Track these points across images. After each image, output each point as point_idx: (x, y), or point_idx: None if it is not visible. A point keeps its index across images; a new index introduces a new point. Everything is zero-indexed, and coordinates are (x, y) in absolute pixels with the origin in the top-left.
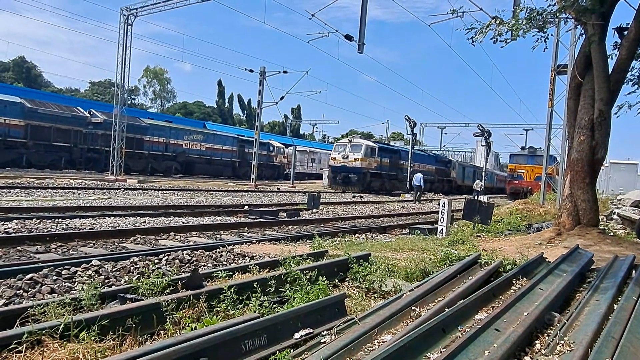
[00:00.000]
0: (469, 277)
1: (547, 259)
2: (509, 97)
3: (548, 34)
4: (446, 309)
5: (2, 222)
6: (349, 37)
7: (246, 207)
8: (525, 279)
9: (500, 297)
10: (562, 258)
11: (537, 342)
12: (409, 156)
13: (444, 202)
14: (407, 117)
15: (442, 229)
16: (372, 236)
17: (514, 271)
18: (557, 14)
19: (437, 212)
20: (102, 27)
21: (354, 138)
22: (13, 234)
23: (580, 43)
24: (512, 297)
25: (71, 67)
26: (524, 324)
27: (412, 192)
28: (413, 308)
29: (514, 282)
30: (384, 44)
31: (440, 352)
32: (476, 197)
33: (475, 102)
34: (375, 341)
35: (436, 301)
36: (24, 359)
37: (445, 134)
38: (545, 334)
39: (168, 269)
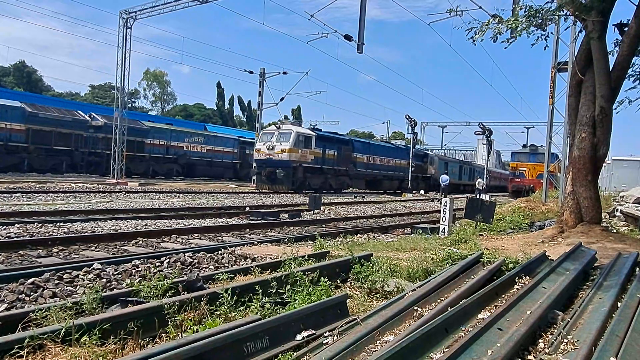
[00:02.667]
0: (472, 276)
1: (549, 257)
2: (509, 95)
3: (548, 32)
4: (449, 309)
5: (4, 227)
6: (348, 37)
7: (247, 209)
8: (528, 277)
9: (503, 296)
10: (565, 256)
11: (540, 340)
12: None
13: (446, 202)
14: (407, 117)
15: (444, 228)
16: (374, 236)
17: (517, 270)
18: (557, 11)
19: (439, 212)
20: (101, 30)
21: (284, 124)
22: (15, 239)
23: (580, 40)
24: (515, 296)
25: (71, 71)
26: (527, 323)
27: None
28: (415, 308)
29: (516, 280)
30: (384, 43)
31: (443, 352)
32: (478, 195)
33: (476, 100)
34: (378, 342)
35: (439, 301)
36: None
37: (447, 132)
38: (549, 333)
39: (170, 271)
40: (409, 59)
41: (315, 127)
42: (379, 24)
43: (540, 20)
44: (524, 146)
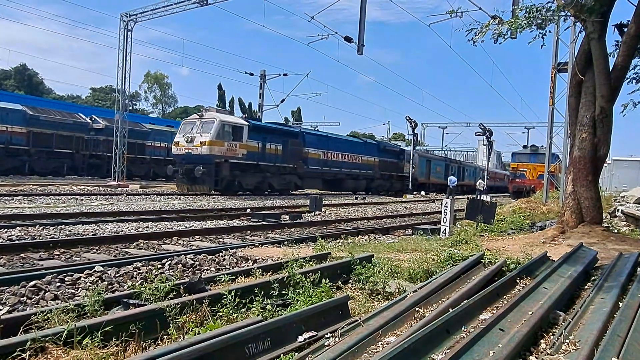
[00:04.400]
0: (473, 277)
1: (551, 258)
2: (510, 96)
3: (546, 31)
4: (450, 310)
5: (6, 230)
6: (348, 39)
7: (249, 211)
8: (529, 278)
9: (504, 296)
10: (566, 256)
11: (542, 341)
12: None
13: (447, 202)
14: (408, 118)
15: (445, 229)
16: (375, 237)
17: (518, 270)
18: (557, 12)
19: (440, 212)
20: (102, 33)
21: (208, 111)
22: (16, 241)
23: (580, 40)
24: (517, 297)
25: (72, 73)
26: (529, 324)
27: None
28: (417, 309)
29: (518, 281)
30: (384, 45)
31: (445, 353)
32: (479, 196)
33: (476, 101)
34: (379, 343)
35: (440, 302)
36: None
37: (447, 134)
38: (551, 333)
39: (171, 273)
40: (409, 60)
41: (251, 117)
42: (379, 25)
43: (540, 21)
44: (525, 147)
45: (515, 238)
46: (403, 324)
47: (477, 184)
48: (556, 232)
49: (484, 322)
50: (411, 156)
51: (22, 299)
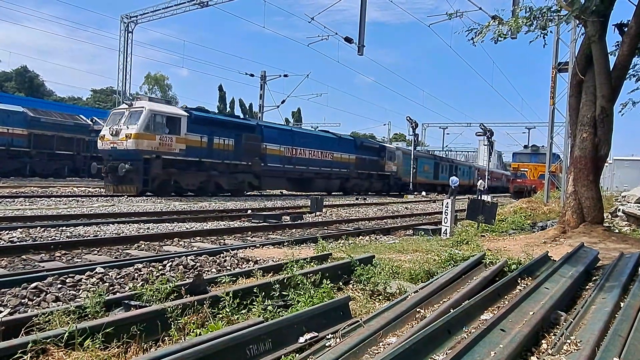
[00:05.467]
0: (474, 278)
1: (552, 258)
2: (510, 96)
3: (548, 31)
4: (451, 310)
5: (7, 232)
6: (348, 40)
7: (249, 212)
8: (530, 278)
9: (505, 297)
10: (567, 256)
11: (543, 341)
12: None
13: (448, 203)
14: (408, 118)
15: (445, 229)
16: (375, 238)
17: (519, 270)
18: (558, 13)
19: (441, 213)
20: (103, 35)
21: (140, 99)
22: (17, 243)
23: (581, 40)
24: (518, 297)
25: (73, 75)
26: (530, 324)
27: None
28: (418, 310)
29: (519, 281)
30: (384, 45)
31: (446, 353)
32: (479, 196)
33: (476, 101)
34: (381, 344)
35: (441, 302)
36: None
37: (447, 134)
38: (552, 334)
39: (172, 275)
40: (409, 60)
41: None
42: (379, 26)
43: (541, 22)
44: (525, 147)
45: (517, 238)
46: (404, 325)
47: (478, 184)
48: (557, 232)
49: (485, 323)
50: (412, 155)
51: (23, 300)
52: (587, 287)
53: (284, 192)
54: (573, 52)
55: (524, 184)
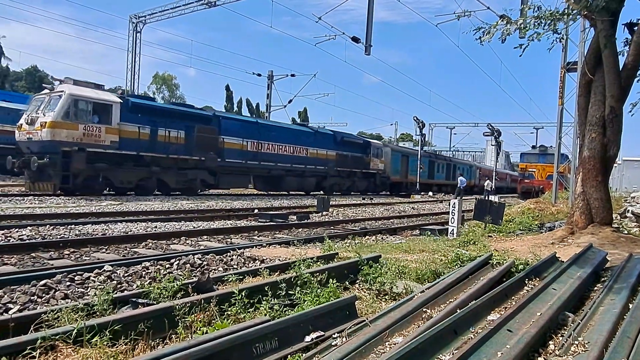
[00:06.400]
0: (481, 278)
1: (560, 259)
2: (518, 96)
3: (563, 34)
4: (458, 310)
5: (17, 229)
6: (355, 39)
7: (256, 211)
8: (538, 279)
9: (512, 297)
10: (575, 257)
11: (551, 342)
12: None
13: (454, 203)
14: (415, 118)
15: (452, 229)
16: (382, 238)
17: (527, 271)
18: (567, 12)
19: (448, 213)
20: (112, 35)
21: (65, 82)
22: (27, 241)
23: (590, 40)
24: (525, 298)
25: (82, 75)
26: (537, 325)
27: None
28: (424, 310)
29: (526, 282)
30: (391, 45)
31: (452, 353)
32: (487, 197)
33: (484, 101)
34: (387, 343)
35: (448, 302)
36: None
37: (455, 134)
38: (559, 335)
39: (179, 273)
40: (416, 60)
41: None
42: (386, 25)
43: (550, 21)
44: (534, 147)
45: (524, 239)
46: (410, 325)
47: (485, 184)
48: (565, 232)
49: (492, 323)
50: (419, 156)
51: (32, 297)
52: (596, 288)
53: (254, 191)
54: (582, 52)
55: (531, 184)
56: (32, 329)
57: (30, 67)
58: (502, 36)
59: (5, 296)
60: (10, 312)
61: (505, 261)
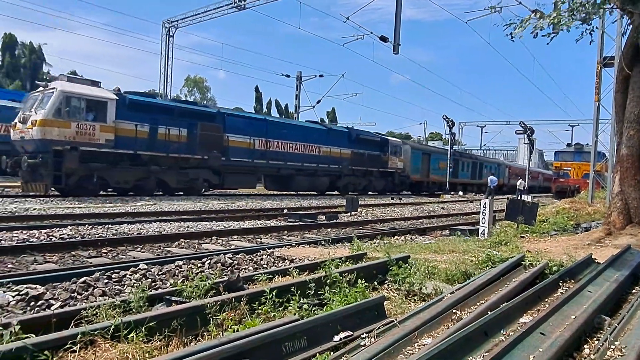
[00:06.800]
0: (513, 279)
1: (596, 260)
2: (552, 92)
3: (593, 27)
4: (489, 312)
5: (58, 229)
6: (384, 39)
7: (285, 211)
8: (572, 281)
9: (546, 300)
10: (612, 259)
11: (585, 346)
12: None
13: (485, 203)
14: (445, 117)
15: (483, 230)
16: (411, 238)
17: (561, 273)
18: (601, 5)
19: (479, 213)
20: (146, 40)
21: (60, 79)
22: (68, 240)
23: (627, 34)
24: (559, 300)
25: (117, 79)
26: (572, 328)
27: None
28: (454, 311)
29: (560, 284)
30: (420, 43)
31: (483, 356)
32: (519, 196)
33: (516, 98)
34: (416, 344)
35: (478, 304)
36: (79, 358)
37: (486, 132)
38: (595, 339)
39: (211, 272)
40: (445, 58)
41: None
42: (415, 23)
43: (584, 15)
44: (569, 145)
45: (559, 240)
46: (440, 326)
47: (518, 183)
48: (602, 233)
49: (524, 326)
50: (447, 154)
51: (72, 294)
52: (634, 291)
53: (265, 191)
54: (619, 46)
55: (566, 183)
56: (72, 324)
57: (69, 72)
58: (533, 31)
59: (48, 293)
60: (52, 308)
61: (538, 262)
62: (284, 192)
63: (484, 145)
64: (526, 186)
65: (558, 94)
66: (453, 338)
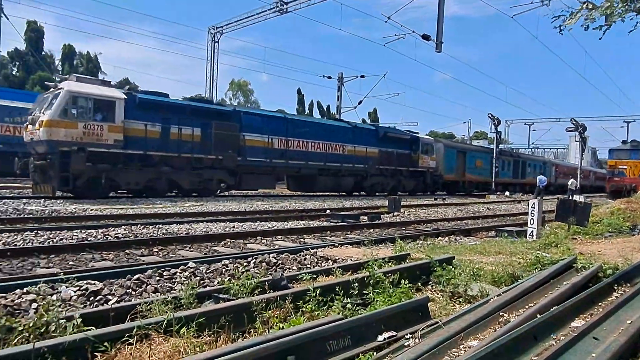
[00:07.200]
0: (564, 282)
1: None
2: (606, 87)
3: None
4: (538, 315)
5: (113, 228)
6: (426, 37)
7: (328, 211)
8: (628, 284)
9: (599, 304)
10: None
11: None
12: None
13: (534, 203)
14: (490, 115)
15: (532, 231)
16: (455, 239)
17: (616, 276)
18: None
19: (526, 214)
20: (193, 46)
21: (70, 79)
22: (122, 239)
23: None
24: (613, 304)
25: (166, 85)
26: (627, 333)
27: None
28: (501, 313)
29: (615, 288)
30: (464, 40)
31: None
32: (571, 196)
33: (567, 95)
34: (461, 346)
35: (526, 307)
36: (135, 350)
37: (534, 130)
38: None
39: (256, 271)
40: (491, 54)
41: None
42: (458, 20)
43: (639, 5)
44: (624, 142)
45: (613, 242)
46: (486, 328)
47: (569, 183)
48: None
49: (576, 330)
50: (493, 154)
51: (127, 290)
52: None
53: (285, 192)
54: None
55: (622, 182)
56: (128, 318)
57: (122, 79)
58: (584, 24)
59: (105, 288)
60: (109, 303)
61: (591, 265)
62: (327, 194)
63: (532, 143)
64: (578, 185)
65: (612, 88)
66: (500, 341)
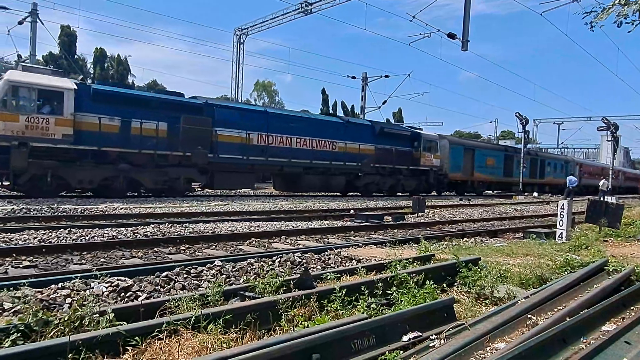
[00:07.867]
0: (594, 285)
1: None
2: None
3: None
4: (567, 319)
5: (142, 227)
6: (451, 36)
7: (352, 212)
8: None
9: (632, 307)
10: None
11: None
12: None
13: (563, 204)
14: (518, 114)
15: (561, 232)
16: (481, 240)
17: None
18: None
19: (555, 215)
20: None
21: (17, 69)
22: (151, 237)
23: None
24: None
25: (193, 87)
26: None
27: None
28: (529, 316)
29: None
30: (490, 39)
31: None
32: (602, 197)
33: (598, 93)
34: (487, 348)
35: (555, 310)
36: (164, 345)
37: (563, 129)
38: None
39: (281, 270)
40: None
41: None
42: (484, 18)
43: None
44: None
45: None
46: (513, 331)
47: (600, 184)
48: None
49: (607, 334)
50: (521, 154)
51: (156, 287)
52: None
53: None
54: None
55: None
56: (157, 314)
57: (150, 81)
58: (617, 19)
59: (135, 285)
60: (139, 299)
61: (623, 268)
62: (350, 194)
63: (561, 143)
64: (609, 186)
65: None
66: (528, 344)
